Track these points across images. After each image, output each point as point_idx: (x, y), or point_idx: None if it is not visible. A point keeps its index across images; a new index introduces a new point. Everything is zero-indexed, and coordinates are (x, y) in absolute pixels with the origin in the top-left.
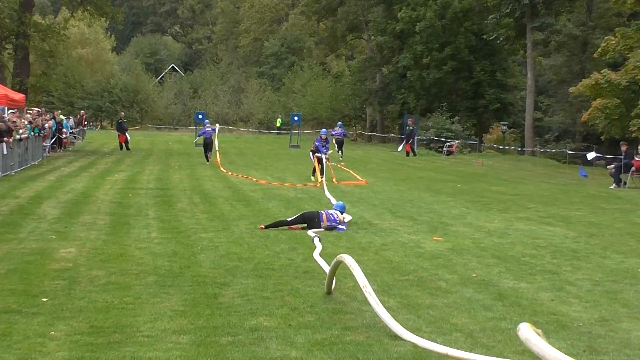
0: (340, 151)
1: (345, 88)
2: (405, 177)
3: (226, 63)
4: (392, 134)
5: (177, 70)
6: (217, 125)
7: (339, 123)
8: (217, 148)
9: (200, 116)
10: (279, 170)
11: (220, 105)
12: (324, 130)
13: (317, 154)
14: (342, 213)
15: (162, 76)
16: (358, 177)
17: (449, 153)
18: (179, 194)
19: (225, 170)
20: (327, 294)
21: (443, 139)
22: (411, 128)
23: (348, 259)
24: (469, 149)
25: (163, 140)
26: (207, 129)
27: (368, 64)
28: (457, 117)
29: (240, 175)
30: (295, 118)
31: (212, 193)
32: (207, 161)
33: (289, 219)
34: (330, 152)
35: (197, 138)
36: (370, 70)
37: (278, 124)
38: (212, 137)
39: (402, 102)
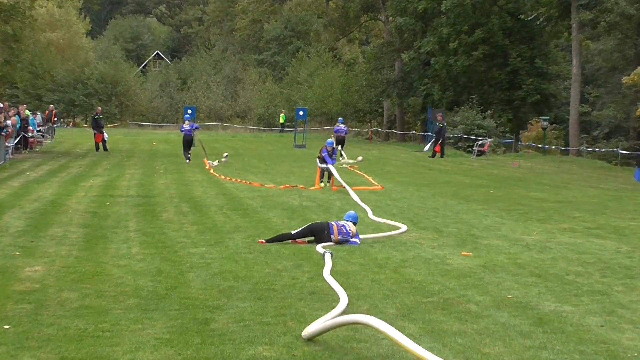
0: (341, 152)
1: (358, 78)
2: (429, 181)
3: (220, 49)
4: (414, 131)
5: (162, 58)
6: (195, 123)
7: (340, 119)
8: (204, 152)
9: (189, 111)
10: (281, 174)
11: (213, 99)
12: (330, 140)
13: (321, 165)
14: (354, 224)
15: (146, 64)
16: (373, 181)
17: (480, 153)
18: (164, 203)
19: (217, 174)
20: (305, 339)
21: (473, 137)
22: (441, 125)
23: (374, 322)
24: (504, 149)
25: (146, 139)
26: (185, 127)
27: (385, 50)
28: (489, 111)
29: (237, 180)
30: (301, 113)
31: (204, 201)
32: (187, 160)
33: (293, 232)
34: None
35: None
36: (388, 57)
37: (281, 120)
38: (193, 134)
39: (425, 94)
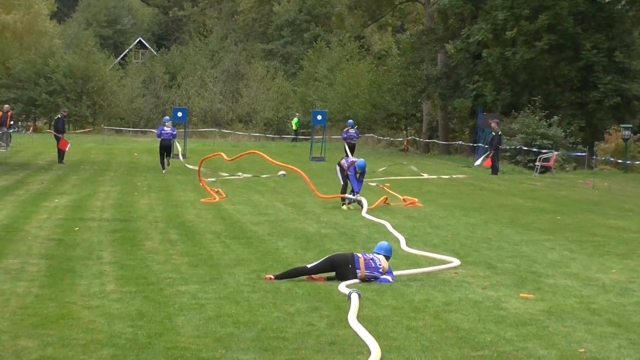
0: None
1: (391, 74)
2: (480, 204)
3: (218, 37)
4: (461, 142)
5: (146, 47)
6: (171, 127)
7: (350, 122)
8: (191, 166)
9: (179, 114)
10: (294, 194)
11: (209, 98)
12: (362, 161)
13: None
14: (387, 258)
15: (125, 55)
16: (401, 197)
17: (544, 170)
18: (147, 228)
19: (213, 193)
20: None
21: (535, 150)
22: (495, 134)
23: None
24: (574, 165)
25: (125, 148)
26: (165, 129)
27: (426, 39)
28: (556, 117)
29: (232, 199)
30: (319, 117)
31: (197, 226)
32: (164, 169)
33: (309, 266)
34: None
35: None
36: (428, 48)
37: (294, 126)
38: (172, 140)
39: (475, 95)
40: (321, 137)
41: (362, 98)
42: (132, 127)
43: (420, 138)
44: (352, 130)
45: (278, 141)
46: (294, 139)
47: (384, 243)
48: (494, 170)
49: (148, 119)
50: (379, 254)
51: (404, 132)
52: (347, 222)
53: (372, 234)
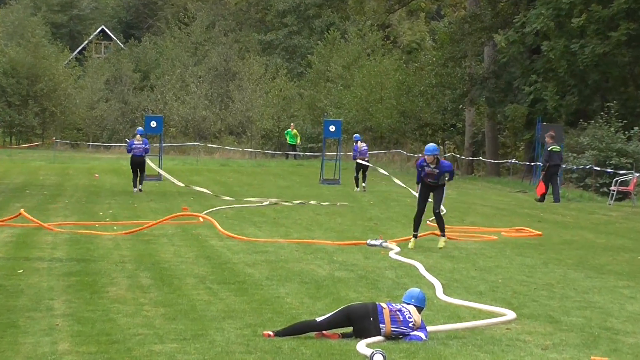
0: (363, 182)
1: (425, 73)
2: (539, 240)
3: (203, 25)
4: (514, 160)
5: (110, 38)
6: (143, 140)
7: (356, 136)
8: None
9: (153, 123)
10: (301, 226)
11: (191, 104)
12: (434, 147)
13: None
14: (419, 309)
15: (84, 48)
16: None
17: (622, 196)
18: (112, 270)
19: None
20: None
21: (610, 170)
22: (555, 149)
23: None
24: None
25: (84, 168)
26: (136, 143)
27: (469, 29)
28: (637, 127)
29: (228, 234)
30: (332, 128)
31: (175, 268)
32: (135, 188)
33: (319, 319)
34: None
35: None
36: (472, 40)
37: (289, 139)
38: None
39: (532, 100)
40: (335, 153)
41: (387, 104)
42: (93, 141)
43: (461, 155)
44: (364, 145)
45: (279, 158)
46: (293, 156)
47: (415, 290)
48: (555, 196)
49: (113, 130)
50: (408, 303)
51: (441, 147)
52: (368, 262)
53: (401, 278)
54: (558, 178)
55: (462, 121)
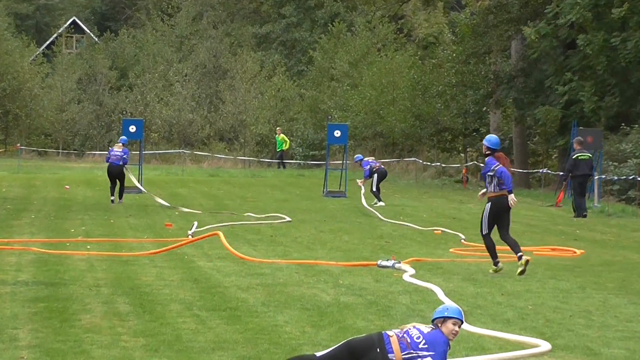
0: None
1: (443, 71)
2: (575, 262)
3: (189, 16)
4: (546, 169)
5: (83, 31)
6: (123, 149)
7: (358, 156)
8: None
9: (132, 128)
10: (301, 245)
11: (175, 106)
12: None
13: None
14: (458, 322)
15: (53, 42)
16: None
17: None
18: (85, 296)
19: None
20: None
21: None
22: (582, 156)
23: None
24: None
25: (53, 179)
26: (115, 150)
27: (494, 20)
28: None
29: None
30: (337, 134)
31: (158, 292)
32: (112, 196)
33: (319, 354)
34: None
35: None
36: (498, 34)
37: (278, 145)
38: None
39: (566, 101)
40: (340, 162)
41: (400, 105)
42: (63, 148)
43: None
44: (374, 162)
45: (276, 168)
46: (280, 164)
47: (453, 306)
48: (580, 210)
49: (86, 135)
50: (418, 335)
51: (462, 155)
52: (378, 286)
53: (416, 303)
54: (596, 189)
55: (486, 125)
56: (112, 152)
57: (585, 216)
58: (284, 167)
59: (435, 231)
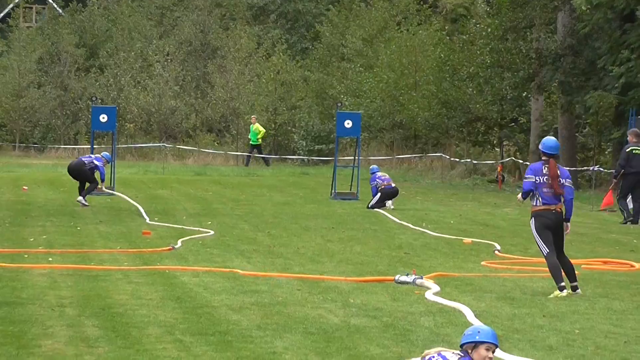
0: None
1: (476, 49)
2: (629, 278)
3: None
4: (598, 166)
5: (44, 1)
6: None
7: (374, 167)
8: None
9: (102, 117)
10: (305, 257)
11: (155, 91)
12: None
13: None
14: (492, 346)
15: (8, 15)
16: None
17: None
18: (46, 316)
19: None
20: None
21: None
22: (637, 150)
23: None
24: None
25: (8, 178)
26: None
27: None
28: None
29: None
30: (347, 124)
31: (133, 313)
32: (80, 197)
33: None
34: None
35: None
36: (541, 4)
37: (252, 136)
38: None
39: (622, 85)
40: (351, 158)
41: (423, 90)
42: (20, 141)
43: (525, 160)
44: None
45: (277, 165)
46: (247, 159)
47: (487, 330)
48: (628, 215)
49: (48, 126)
50: (464, 344)
51: (497, 149)
52: (396, 306)
53: (441, 327)
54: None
55: (526, 114)
56: (89, 159)
57: (631, 221)
58: (267, 163)
59: (465, 240)
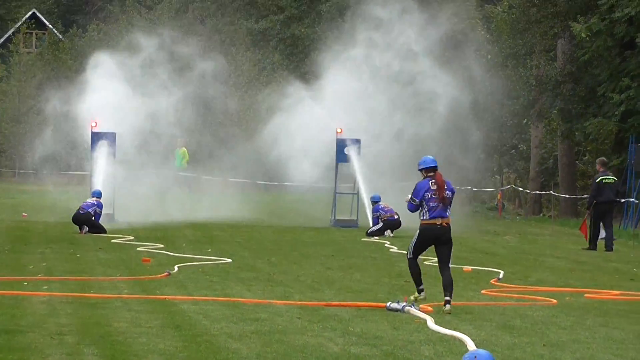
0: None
1: (476, 76)
2: (630, 307)
3: (171, 9)
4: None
5: (45, 26)
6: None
7: (375, 196)
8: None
9: (103, 143)
10: (305, 285)
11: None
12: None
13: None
14: None
15: (9, 40)
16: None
17: None
18: (45, 344)
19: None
20: None
21: None
22: (607, 180)
23: None
24: None
25: (8, 204)
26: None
27: (537, 15)
28: None
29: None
30: (348, 151)
31: (133, 341)
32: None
33: None
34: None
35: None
36: (541, 31)
37: (178, 160)
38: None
39: (622, 112)
40: (351, 184)
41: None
42: (20, 168)
43: (525, 188)
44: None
45: (275, 190)
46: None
47: (479, 352)
48: (591, 242)
49: (47, 151)
50: None
51: (497, 177)
52: (397, 335)
53: (442, 356)
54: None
55: (526, 141)
56: (84, 204)
57: (609, 249)
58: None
59: (465, 269)
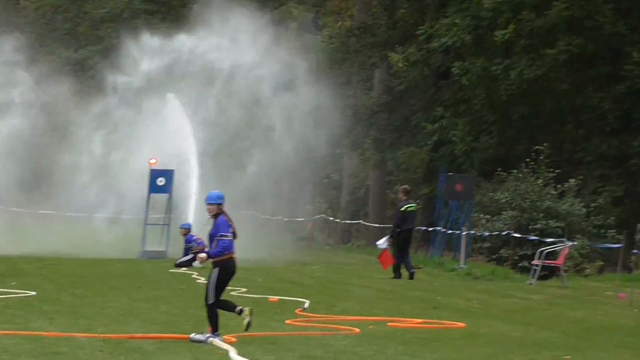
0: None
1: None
2: (432, 335)
3: None
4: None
5: None
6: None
7: (186, 224)
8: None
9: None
10: (110, 318)
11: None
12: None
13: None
14: None
15: None
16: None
17: (549, 273)
18: None
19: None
20: None
21: (534, 237)
22: (410, 208)
23: None
24: (600, 264)
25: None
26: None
27: (356, 44)
28: (573, 180)
29: None
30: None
31: None
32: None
33: None
34: None
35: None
36: (359, 60)
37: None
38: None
39: (435, 142)
40: (161, 216)
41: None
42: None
43: (335, 217)
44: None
45: (84, 222)
46: None
47: None
48: (396, 271)
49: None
50: None
51: (308, 207)
52: None
53: None
54: (464, 246)
55: (338, 171)
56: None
57: (411, 277)
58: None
59: (270, 299)
